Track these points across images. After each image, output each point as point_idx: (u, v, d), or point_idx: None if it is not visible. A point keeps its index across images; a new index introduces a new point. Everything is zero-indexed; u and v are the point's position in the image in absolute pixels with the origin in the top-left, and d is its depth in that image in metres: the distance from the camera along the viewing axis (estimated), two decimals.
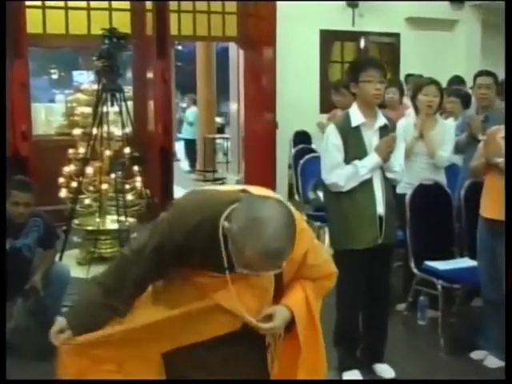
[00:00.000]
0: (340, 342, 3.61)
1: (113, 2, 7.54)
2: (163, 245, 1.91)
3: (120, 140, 5.80)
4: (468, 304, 4.53)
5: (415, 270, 4.27)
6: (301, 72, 8.12)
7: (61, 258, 4.84)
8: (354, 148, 3.44)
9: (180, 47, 15.42)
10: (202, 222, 1.86)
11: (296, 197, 6.58)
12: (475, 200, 3.85)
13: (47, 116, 8.91)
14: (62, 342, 1.93)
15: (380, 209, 3.45)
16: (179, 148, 13.45)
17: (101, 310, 1.94)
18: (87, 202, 5.90)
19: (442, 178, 4.53)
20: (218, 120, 13.29)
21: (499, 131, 3.65)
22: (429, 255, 4.24)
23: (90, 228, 5.90)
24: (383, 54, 8.76)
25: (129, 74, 8.57)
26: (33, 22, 6.98)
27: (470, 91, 5.56)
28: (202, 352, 1.98)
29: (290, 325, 2.00)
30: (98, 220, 5.77)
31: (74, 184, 5.66)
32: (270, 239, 1.71)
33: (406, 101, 5.98)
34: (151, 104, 7.65)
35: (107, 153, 5.69)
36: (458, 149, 4.66)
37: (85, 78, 9.24)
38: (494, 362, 3.76)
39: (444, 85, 5.18)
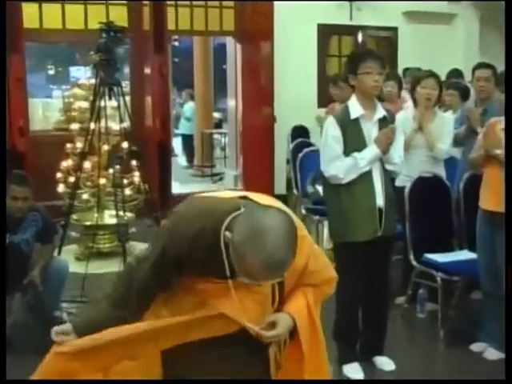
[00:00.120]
0: (340, 335, 3.60)
1: None
2: (164, 252, 1.90)
3: (118, 134, 5.78)
4: (467, 296, 4.52)
5: (414, 263, 4.27)
6: (298, 66, 8.09)
7: (59, 253, 4.83)
8: (353, 140, 3.43)
9: (177, 43, 15.35)
10: (202, 231, 1.85)
11: (294, 191, 6.58)
12: (474, 192, 3.85)
13: (44, 111, 8.91)
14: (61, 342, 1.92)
15: (379, 201, 3.44)
16: (177, 143, 13.43)
17: (109, 321, 1.94)
18: (85, 196, 5.90)
19: (441, 171, 4.52)
20: (216, 115, 13.23)
21: (498, 123, 3.64)
22: (428, 248, 4.24)
23: (88, 223, 5.91)
24: (381, 48, 8.71)
25: (126, 70, 8.53)
26: (29, 16, 6.97)
27: (468, 84, 5.56)
28: (200, 352, 1.97)
29: (293, 332, 2.00)
30: (96, 215, 5.77)
31: (72, 179, 5.63)
32: (272, 250, 1.70)
33: (404, 94, 5.98)
34: (149, 99, 7.63)
35: (105, 147, 5.65)
36: (457, 141, 4.66)
37: (82, 74, 9.23)
38: (493, 353, 3.75)
39: (442, 78, 5.17)
